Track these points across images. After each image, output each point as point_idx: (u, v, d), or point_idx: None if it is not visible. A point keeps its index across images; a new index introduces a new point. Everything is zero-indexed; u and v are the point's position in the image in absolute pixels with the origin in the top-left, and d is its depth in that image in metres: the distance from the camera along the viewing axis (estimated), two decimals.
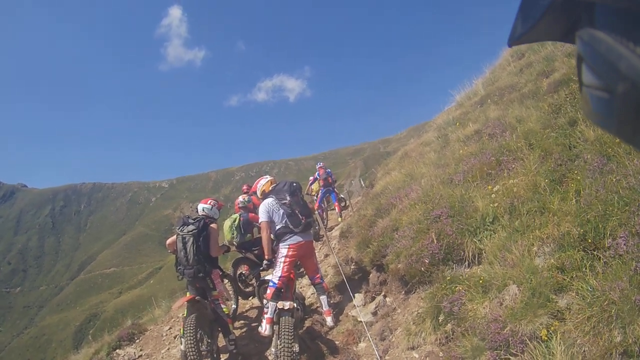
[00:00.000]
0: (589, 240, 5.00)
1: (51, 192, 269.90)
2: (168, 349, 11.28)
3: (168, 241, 9.65)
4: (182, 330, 9.16)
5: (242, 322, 11.65)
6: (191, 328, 8.24)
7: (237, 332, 10.04)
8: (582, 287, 4.56)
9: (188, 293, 9.28)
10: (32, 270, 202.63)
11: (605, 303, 4.15)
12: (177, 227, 9.40)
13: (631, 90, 0.62)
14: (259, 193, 9.74)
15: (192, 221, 9.32)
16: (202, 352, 8.47)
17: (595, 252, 4.93)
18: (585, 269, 4.77)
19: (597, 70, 0.70)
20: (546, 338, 4.53)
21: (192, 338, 8.13)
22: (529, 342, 4.64)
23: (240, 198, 13.18)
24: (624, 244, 4.60)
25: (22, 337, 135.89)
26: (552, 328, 4.56)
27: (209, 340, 8.93)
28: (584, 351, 4.13)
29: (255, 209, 13.21)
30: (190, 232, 9.06)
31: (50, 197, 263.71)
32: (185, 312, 9.21)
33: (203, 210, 9.75)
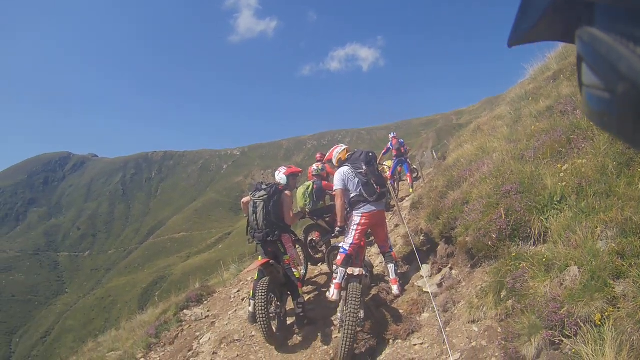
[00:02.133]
0: None
1: (122, 161, 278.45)
2: (235, 310, 11.70)
3: (244, 200, 10.02)
4: (251, 292, 9.51)
5: (310, 287, 12.01)
6: (263, 290, 8.57)
7: (305, 297, 10.32)
8: (639, 275, 4.55)
9: (260, 257, 9.63)
10: (101, 235, 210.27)
11: None
12: (250, 193, 9.74)
13: (631, 90, 0.63)
14: (334, 161, 9.88)
15: (265, 187, 9.63)
16: (271, 314, 8.81)
17: None
18: None
19: (597, 70, 0.72)
20: (599, 323, 4.56)
21: (263, 300, 8.46)
22: (582, 325, 4.68)
23: (314, 166, 13.36)
24: None
25: (88, 298, 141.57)
26: (606, 313, 4.58)
27: (278, 303, 9.32)
28: (633, 340, 4.16)
29: (328, 177, 13.41)
30: (261, 197, 9.41)
31: (121, 165, 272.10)
32: (257, 275, 9.54)
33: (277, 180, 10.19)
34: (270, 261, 9.25)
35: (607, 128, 0.74)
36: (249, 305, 9.93)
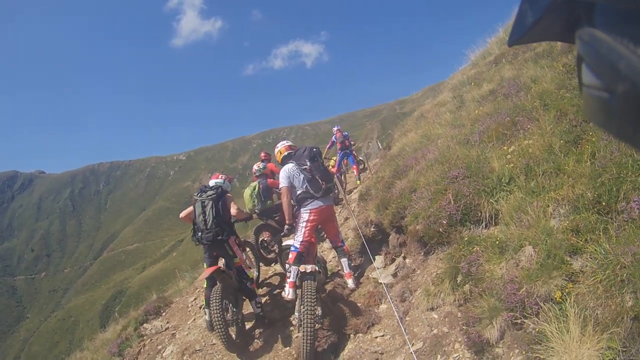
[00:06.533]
0: (603, 203, 5.00)
1: (69, 176, 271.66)
2: (194, 319, 11.53)
3: (182, 214, 9.80)
4: (205, 301, 9.35)
5: (265, 288, 11.89)
6: (217, 298, 8.39)
7: (262, 299, 10.15)
8: (595, 250, 4.57)
9: (205, 264, 9.52)
10: (55, 255, 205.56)
11: (618, 267, 4.17)
12: (196, 194, 9.59)
13: (631, 90, 0.62)
14: (278, 158, 9.92)
15: (210, 187, 9.57)
16: (228, 322, 8.65)
17: (608, 215, 4.93)
18: (599, 231, 4.77)
19: (597, 70, 0.71)
20: (560, 300, 4.56)
21: (218, 308, 8.28)
22: (543, 304, 4.70)
23: (255, 166, 13.25)
24: (637, 208, 4.57)
25: (50, 321, 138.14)
26: (566, 290, 4.60)
27: (234, 310, 9.12)
28: (597, 314, 4.17)
29: (273, 174, 13.36)
30: (210, 197, 9.28)
31: (68, 180, 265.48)
32: (205, 284, 9.38)
33: (216, 184, 9.88)
34: (221, 267, 9.12)
35: (607, 128, 0.73)
36: (205, 314, 9.80)
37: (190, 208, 9.66)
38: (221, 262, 9.54)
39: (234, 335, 8.91)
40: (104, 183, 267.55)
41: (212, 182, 10.01)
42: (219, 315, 8.24)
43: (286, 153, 9.75)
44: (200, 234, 9.29)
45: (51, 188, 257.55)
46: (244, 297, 9.60)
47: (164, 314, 13.01)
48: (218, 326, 8.23)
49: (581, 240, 4.86)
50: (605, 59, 0.66)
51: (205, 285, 9.58)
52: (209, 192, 9.39)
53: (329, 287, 10.13)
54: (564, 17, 0.81)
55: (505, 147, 7.90)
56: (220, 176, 10.26)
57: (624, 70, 0.62)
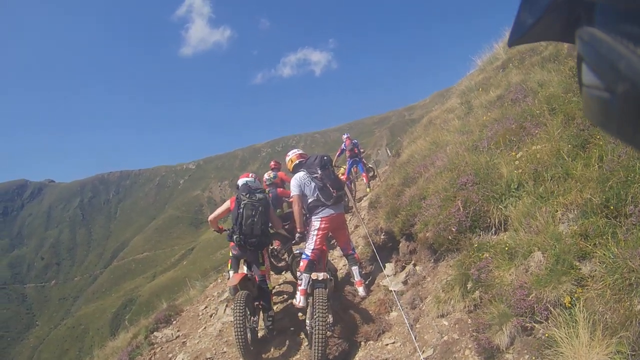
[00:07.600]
0: (611, 207, 4.98)
1: (79, 185, 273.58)
2: (205, 327, 11.53)
3: (216, 213, 9.73)
4: (229, 265, 9.71)
5: (276, 296, 11.82)
6: (241, 304, 8.37)
7: (274, 308, 10.13)
8: (604, 254, 4.55)
9: (230, 260, 9.61)
10: (65, 263, 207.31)
11: (626, 271, 4.15)
12: (245, 194, 9.26)
13: (631, 90, 0.63)
14: (289, 167, 9.95)
15: (256, 190, 9.38)
16: (247, 328, 8.62)
17: (617, 219, 4.90)
18: (608, 236, 4.74)
19: (597, 70, 0.71)
20: (569, 305, 4.56)
21: (241, 314, 8.28)
22: (552, 309, 4.70)
23: (266, 175, 13.31)
24: None
25: (60, 329, 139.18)
26: (575, 295, 4.59)
27: (254, 318, 9.10)
28: (605, 319, 4.16)
29: (283, 183, 13.39)
30: (261, 201, 9.15)
31: (78, 189, 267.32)
32: (231, 254, 9.53)
33: (247, 183, 9.66)
34: (248, 275, 9.11)
35: (607, 128, 0.74)
36: (228, 278, 9.89)
37: (224, 207, 9.65)
38: (244, 269, 9.52)
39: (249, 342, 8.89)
40: (114, 192, 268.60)
41: (241, 181, 9.80)
42: (240, 321, 8.24)
43: (297, 161, 9.76)
44: (243, 237, 9.09)
45: (61, 197, 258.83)
46: (259, 306, 9.55)
47: (174, 322, 13.04)
48: (238, 333, 8.22)
49: (590, 245, 4.84)
50: (605, 59, 0.68)
51: (230, 255, 9.68)
52: (259, 196, 9.19)
53: (339, 294, 10.10)
54: (564, 16, 0.81)
55: (513, 153, 7.87)
56: (250, 175, 10.07)
57: (624, 70, 0.63)
